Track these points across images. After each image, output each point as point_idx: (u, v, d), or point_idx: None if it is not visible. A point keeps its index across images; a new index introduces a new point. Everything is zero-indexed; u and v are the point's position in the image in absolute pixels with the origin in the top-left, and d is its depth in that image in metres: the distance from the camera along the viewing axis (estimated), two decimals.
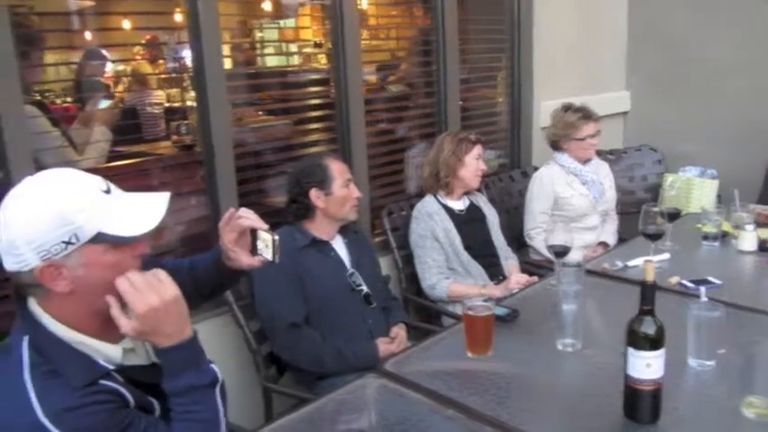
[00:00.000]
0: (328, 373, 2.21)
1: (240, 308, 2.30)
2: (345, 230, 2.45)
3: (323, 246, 2.34)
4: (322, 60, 3.00)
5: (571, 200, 3.25)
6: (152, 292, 1.20)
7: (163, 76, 3.97)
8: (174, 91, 3.92)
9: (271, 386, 2.29)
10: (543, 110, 3.82)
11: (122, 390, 1.21)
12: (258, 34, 3.18)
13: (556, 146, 3.32)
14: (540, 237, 3.19)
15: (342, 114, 2.97)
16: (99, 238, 1.18)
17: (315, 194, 2.32)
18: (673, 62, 4.31)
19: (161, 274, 1.23)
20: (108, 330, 1.24)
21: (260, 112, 2.99)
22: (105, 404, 1.16)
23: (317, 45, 3.15)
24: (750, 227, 2.61)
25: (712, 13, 4.10)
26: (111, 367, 1.23)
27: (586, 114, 3.24)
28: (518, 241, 3.39)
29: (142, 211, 1.24)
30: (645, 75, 4.48)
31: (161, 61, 3.55)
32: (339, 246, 2.40)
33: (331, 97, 2.97)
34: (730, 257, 2.59)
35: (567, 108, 3.28)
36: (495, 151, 3.92)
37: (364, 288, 2.34)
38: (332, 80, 2.96)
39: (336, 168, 2.35)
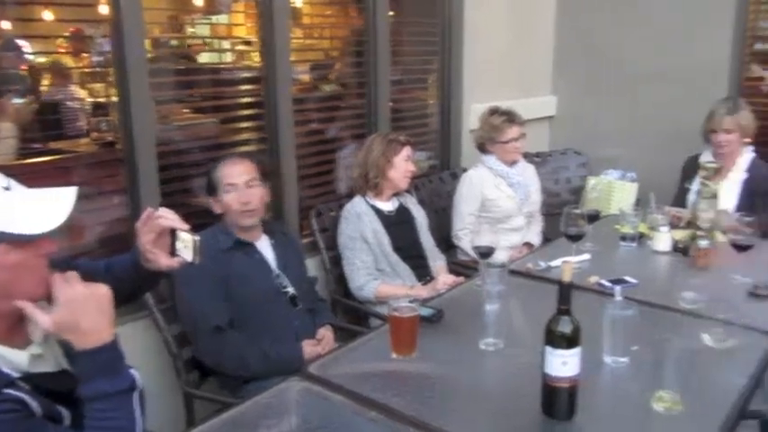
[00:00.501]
0: (253, 375, 2.18)
1: (161, 311, 2.24)
2: (272, 231, 2.42)
3: (248, 247, 2.31)
4: (254, 58, 2.97)
5: (498, 201, 3.31)
6: (81, 283, 1.17)
7: (86, 70, 3.82)
8: (97, 86, 3.78)
9: (192, 391, 2.24)
10: (473, 112, 3.87)
11: (28, 398, 1.15)
12: (190, 30, 3.10)
13: (483, 148, 3.38)
14: (467, 238, 3.23)
15: (271, 113, 2.93)
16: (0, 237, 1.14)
17: (213, 201, 2.30)
18: (598, 68, 4.45)
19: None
20: (12, 335, 1.18)
21: (187, 110, 2.92)
22: (8, 414, 1.11)
23: (247, 43, 3.10)
24: (664, 228, 2.72)
25: (635, 22, 4.26)
26: (17, 375, 1.18)
27: (510, 118, 3.31)
28: (446, 242, 3.43)
29: (46, 208, 1.18)
30: (571, 80, 4.61)
31: (84, 55, 3.42)
32: (265, 247, 2.37)
33: (261, 96, 2.93)
34: (646, 257, 2.70)
35: (494, 111, 3.35)
36: (426, 152, 3.96)
37: (290, 290, 2.32)
38: (262, 79, 2.92)
39: (226, 173, 2.28)
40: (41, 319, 1.16)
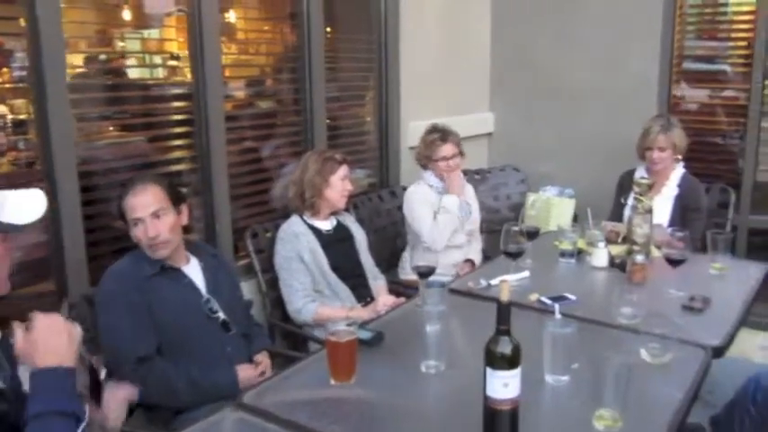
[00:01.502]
0: (184, 405, 2.09)
1: (83, 342, 2.13)
2: (202, 253, 2.35)
3: (174, 273, 2.23)
4: (185, 74, 2.90)
5: (440, 215, 3.32)
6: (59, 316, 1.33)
7: (6, 85, 3.67)
8: (18, 102, 3.63)
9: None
10: (411, 130, 3.89)
11: None
12: (120, 44, 3.01)
13: (423, 165, 3.40)
14: (442, 235, 3.25)
15: (202, 131, 2.87)
16: None
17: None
18: (534, 85, 4.55)
19: None
20: None
21: (113, 128, 2.83)
22: None
23: (174, 57, 3.03)
24: (601, 244, 2.78)
25: (570, 40, 4.38)
26: None
27: (443, 136, 3.33)
28: (387, 261, 3.42)
29: (27, 203, 1.33)
30: (508, 97, 4.69)
31: (5, 70, 3.28)
32: (194, 270, 2.29)
33: (192, 113, 2.87)
34: (585, 273, 2.74)
35: (431, 129, 3.37)
36: (365, 170, 3.95)
37: (221, 315, 2.25)
38: (193, 95, 2.86)
39: (130, 207, 2.15)
40: (18, 336, 1.26)
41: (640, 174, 3.31)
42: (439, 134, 3.32)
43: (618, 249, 2.86)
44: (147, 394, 2.06)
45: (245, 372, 2.22)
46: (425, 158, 3.34)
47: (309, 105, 3.41)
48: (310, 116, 3.41)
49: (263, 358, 2.37)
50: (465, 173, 3.61)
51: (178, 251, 2.25)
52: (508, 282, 1.52)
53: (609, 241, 2.88)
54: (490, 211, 4.21)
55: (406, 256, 3.41)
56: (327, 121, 3.53)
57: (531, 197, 4.08)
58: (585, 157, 4.36)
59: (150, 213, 2.14)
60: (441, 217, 3.25)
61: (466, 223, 3.39)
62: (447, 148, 3.32)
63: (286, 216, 2.96)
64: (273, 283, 2.86)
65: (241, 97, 3.34)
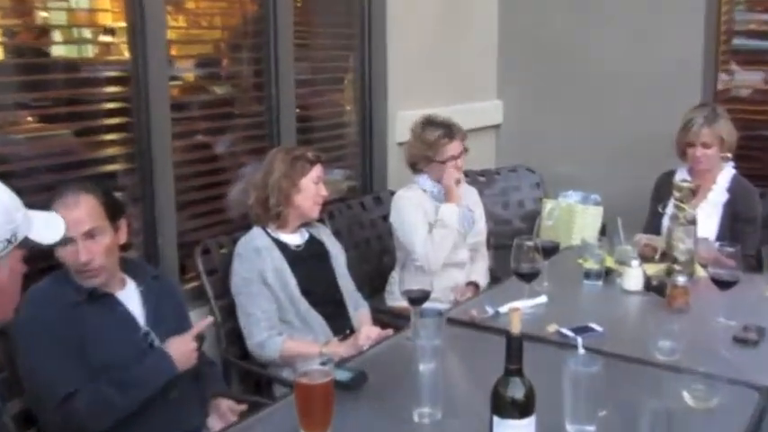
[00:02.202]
0: (128, 412, 2.08)
1: None
2: (140, 275, 2.34)
3: (106, 299, 2.22)
4: (121, 51, 2.90)
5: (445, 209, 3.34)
6: None
7: None
8: None
9: None
10: (401, 121, 3.91)
11: None
12: (41, 15, 3.00)
13: (415, 168, 3.40)
14: (435, 253, 3.27)
15: (141, 122, 2.87)
16: (24, 243, 1.51)
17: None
18: (552, 68, 4.59)
19: None
20: None
21: (31, 119, 2.81)
22: None
23: (108, 31, 3.02)
24: (635, 262, 2.80)
25: (595, 13, 4.42)
26: None
27: (449, 132, 3.34)
28: (371, 284, 3.42)
29: (51, 222, 1.62)
30: (520, 81, 4.73)
31: None
32: (131, 297, 2.28)
33: (129, 100, 2.87)
34: (614, 298, 2.76)
35: (427, 123, 3.37)
36: (343, 171, 3.96)
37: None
38: (131, 78, 2.86)
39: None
40: None
41: (681, 176, 3.34)
42: (443, 130, 3.33)
43: (655, 269, 2.88)
44: (82, 427, 2.05)
45: (177, 346, 2.20)
46: (425, 159, 3.35)
47: (275, 91, 3.41)
48: (276, 104, 3.42)
49: (228, 405, 2.36)
50: (467, 174, 3.63)
51: (112, 273, 2.24)
52: (520, 309, 1.53)
53: (644, 259, 2.90)
54: (498, 222, 4.22)
55: (394, 277, 3.42)
56: (297, 110, 3.54)
57: (548, 204, 4.09)
58: (615, 156, 4.40)
59: (83, 233, 2.12)
60: (437, 231, 3.26)
61: (469, 236, 3.41)
62: (455, 146, 3.34)
63: (245, 228, 2.95)
64: (230, 310, 2.85)
65: (190, 80, 3.33)
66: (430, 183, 3.38)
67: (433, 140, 3.32)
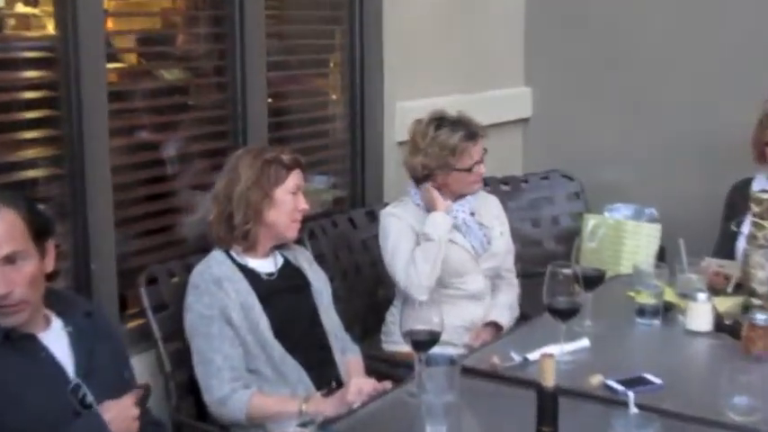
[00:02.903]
0: None
1: None
2: (69, 311, 2.33)
3: (26, 343, 2.21)
4: (47, 26, 2.91)
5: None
6: None
7: None
8: None
9: None
10: (401, 115, 3.93)
11: None
12: None
13: (424, 179, 3.39)
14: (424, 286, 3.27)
15: (71, 117, 2.88)
16: None
17: None
18: (593, 48, 4.62)
19: None
20: None
21: None
22: None
23: (29, 1, 3.05)
24: (702, 295, 2.81)
25: None
26: None
27: (471, 131, 3.36)
28: (364, 323, 3.43)
29: None
30: (553, 65, 4.77)
31: None
32: (57, 339, 2.27)
33: (56, 88, 2.88)
34: (676, 341, 2.78)
35: (439, 122, 3.37)
36: (328, 178, 3.99)
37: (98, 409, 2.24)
38: (57, 60, 2.87)
39: None
40: None
41: (760, 185, 3.36)
42: (464, 129, 3.35)
43: (727, 303, 2.89)
44: None
45: (115, 413, 2.15)
46: (440, 168, 3.34)
47: (240, 76, 3.43)
48: (242, 93, 3.44)
49: None
50: (486, 182, 3.64)
51: (36, 309, 2.24)
52: (554, 356, 1.54)
53: (713, 291, 2.92)
54: (527, 243, 4.23)
55: (393, 314, 3.43)
56: (269, 100, 3.57)
57: (590, 221, 4.11)
58: (675, 160, 4.42)
59: (1, 258, 2.12)
60: (418, 248, 3.28)
61: (483, 259, 3.43)
62: (479, 149, 3.38)
63: (203, 251, 2.97)
64: (183, 357, 2.86)
65: (133, 63, 3.35)
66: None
67: (456, 144, 3.33)
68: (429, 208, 3.36)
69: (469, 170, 3.35)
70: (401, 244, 3.32)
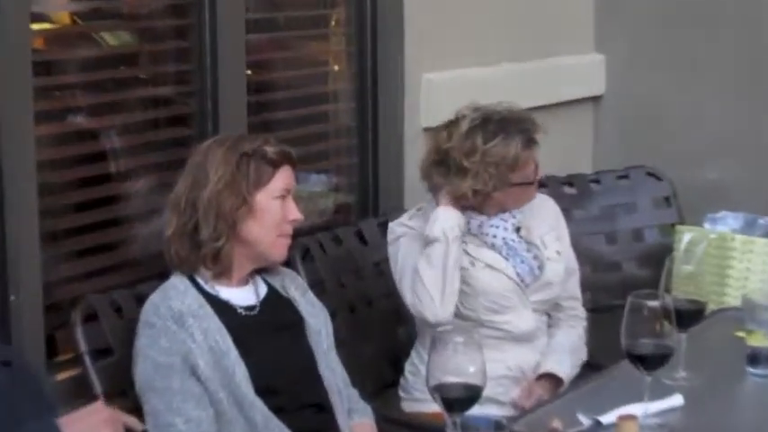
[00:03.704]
0: None
1: None
2: None
3: None
4: None
5: (470, 272, 3.37)
6: None
7: None
8: None
9: None
10: (427, 91, 3.95)
11: None
12: None
13: (473, 198, 3.40)
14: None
15: None
16: None
17: None
18: (691, 3, 4.64)
19: None
20: None
21: None
22: None
23: None
24: None
25: None
26: None
27: (530, 134, 3.39)
28: (377, 374, 3.43)
29: None
30: (635, 26, 4.79)
31: None
32: None
33: None
34: None
35: (484, 126, 3.39)
36: (328, 176, 4.01)
37: None
38: None
39: None
40: None
41: None
42: (521, 134, 3.36)
43: None
44: None
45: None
46: (498, 188, 3.34)
47: (210, 39, 3.46)
48: (211, 63, 3.47)
49: None
50: (543, 183, 3.65)
51: None
52: (637, 419, 1.55)
53: None
54: (599, 266, 4.25)
55: (414, 362, 3.46)
56: (248, 72, 3.60)
57: (686, 235, 4.11)
58: None
59: None
60: (422, 256, 3.31)
61: (533, 289, 3.45)
62: (534, 155, 3.42)
63: (160, 277, 2.98)
64: (134, 415, 2.86)
65: (66, 23, 3.36)
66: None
67: (518, 153, 3.35)
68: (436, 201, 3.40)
69: (531, 183, 3.39)
70: (409, 259, 3.35)
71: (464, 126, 3.37)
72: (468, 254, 3.38)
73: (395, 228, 3.44)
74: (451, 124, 3.41)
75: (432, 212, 3.38)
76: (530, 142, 3.37)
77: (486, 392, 2.39)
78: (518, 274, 3.42)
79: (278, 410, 2.82)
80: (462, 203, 3.37)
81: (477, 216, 3.41)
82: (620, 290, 2.80)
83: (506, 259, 3.43)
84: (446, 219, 3.31)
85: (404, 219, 3.46)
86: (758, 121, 4.52)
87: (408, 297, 3.31)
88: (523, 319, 3.43)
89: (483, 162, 3.32)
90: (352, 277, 3.66)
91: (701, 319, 2.93)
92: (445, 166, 3.38)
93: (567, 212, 3.76)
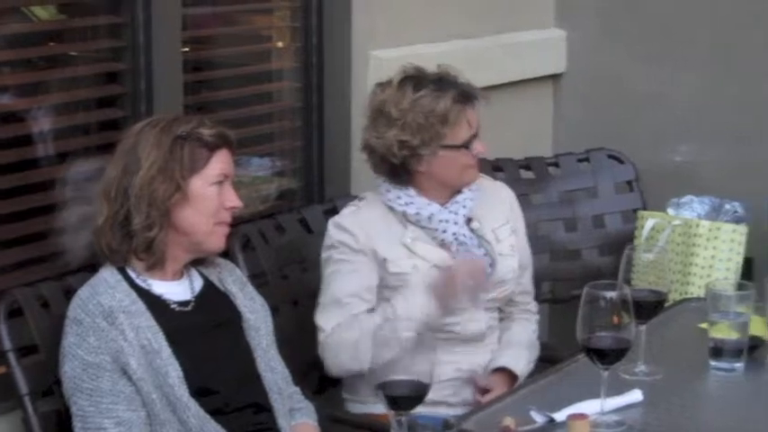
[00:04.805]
0: None
1: None
2: None
3: None
4: None
5: (414, 277, 3.35)
6: None
7: None
8: None
9: None
10: (376, 69, 3.94)
11: None
12: None
13: (401, 170, 3.42)
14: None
15: None
16: None
17: None
18: None
19: None
20: None
21: None
22: None
23: None
24: None
25: None
26: None
27: (466, 91, 3.39)
28: (320, 373, 3.43)
29: None
30: (598, 1, 4.80)
31: None
32: None
33: None
34: (766, 393, 2.82)
35: (417, 80, 3.40)
36: (270, 160, 4.01)
37: None
38: None
39: None
40: None
41: None
42: (455, 88, 3.38)
43: None
44: None
45: None
46: (427, 143, 3.33)
47: (143, 13, 3.44)
48: (145, 38, 3.45)
49: None
50: (498, 166, 3.65)
51: None
52: (588, 419, 1.56)
53: None
54: (558, 254, 4.26)
55: None
56: (185, 49, 3.60)
57: (649, 221, 4.12)
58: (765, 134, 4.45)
59: None
60: (381, 323, 3.20)
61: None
62: (474, 119, 3.41)
63: (90, 269, 2.97)
64: (61, 422, 2.86)
65: None
66: (407, 192, 3.41)
67: (449, 107, 3.35)
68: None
69: (466, 146, 3.38)
70: (336, 287, 3.34)
71: (397, 78, 3.40)
72: (414, 253, 3.39)
73: (331, 231, 3.42)
74: (386, 83, 3.42)
75: (385, 202, 3.41)
76: (463, 98, 3.37)
77: (436, 395, 2.41)
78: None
79: (215, 412, 2.82)
80: (391, 162, 3.37)
81: (427, 206, 3.40)
82: (581, 279, 2.81)
83: (455, 252, 3.42)
84: (418, 313, 3.23)
85: (343, 216, 3.45)
86: (726, 102, 4.52)
87: (325, 335, 3.30)
88: (474, 319, 3.43)
89: (412, 111, 3.34)
90: (295, 269, 3.66)
91: (661, 310, 2.94)
92: (377, 121, 3.41)
93: (524, 198, 3.77)
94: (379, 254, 3.35)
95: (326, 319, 3.33)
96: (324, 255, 3.41)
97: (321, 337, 3.32)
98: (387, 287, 3.36)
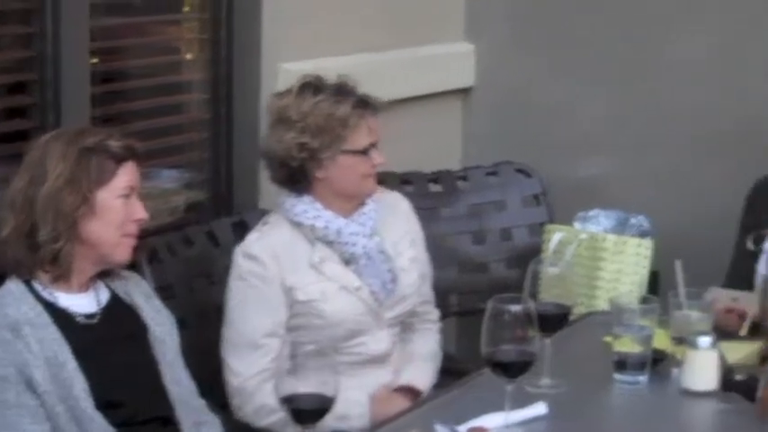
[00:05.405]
0: None
1: None
2: None
3: None
4: None
5: (322, 304, 3.38)
6: None
7: None
8: None
9: None
10: (286, 81, 3.91)
11: None
12: None
13: (299, 175, 3.43)
14: (265, 388, 3.25)
15: None
16: None
17: None
18: None
19: None
20: None
21: None
22: None
23: None
24: (705, 341, 2.87)
25: None
26: None
27: (363, 99, 3.41)
28: (219, 383, 3.42)
29: None
30: (507, 14, 4.84)
31: None
32: None
33: None
34: (669, 406, 2.86)
35: (318, 86, 3.41)
36: (179, 173, 4.01)
37: None
38: None
39: None
40: None
41: None
42: (353, 96, 3.40)
43: (740, 351, 2.96)
44: None
45: None
46: (327, 146, 3.32)
47: (52, 23, 3.43)
48: (53, 49, 3.44)
49: None
50: (407, 179, 3.67)
51: None
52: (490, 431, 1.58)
53: (722, 334, 2.98)
54: (466, 267, 4.28)
55: None
56: (93, 60, 3.58)
57: (556, 235, 4.15)
58: (675, 150, 4.51)
59: None
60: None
61: (387, 305, 3.47)
62: (375, 128, 3.43)
63: None
64: None
65: None
66: (311, 205, 3.42)
67: (349, 112, 3.37)
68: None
69: (365, 152, 3.40)
70: (244, 326, 3.35)
71: (297, 85, 3.42)
72: (322, 274, 3.39)
73: (239, 261, 3.40)
74: (285, 92, 3.45)
75: (290, 219, 3.41)
76: (363, 105, 3.39)
77: (342, 408, 2.41)
78: (372, 293, 3.44)
79: (120, 425, 2.81)
80: (290, 166, 3.38)
81: (335, 219, 3.40)
82: (488, 292, 2.82)
83: (360, 277, 3.43)
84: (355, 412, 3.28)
85: (250, 243, 3.43)
86: (633, 115, 4.60)
87: (237, 381, 3.32)
88: (378, 339, 3.45)
89: (312, 114, 3.35)
90: (202, 281, 3.66)
91: (565, 324, 2.99)
92: (276, 127, 3.43)
93: (433, 211, 3.79)
94: (287, 283, 3.35)
95: (243, 364, 3.33)
96: (232, 284, 3.40)
97: (235, 381, 3.32)
98: (296, 315, 3.37)
